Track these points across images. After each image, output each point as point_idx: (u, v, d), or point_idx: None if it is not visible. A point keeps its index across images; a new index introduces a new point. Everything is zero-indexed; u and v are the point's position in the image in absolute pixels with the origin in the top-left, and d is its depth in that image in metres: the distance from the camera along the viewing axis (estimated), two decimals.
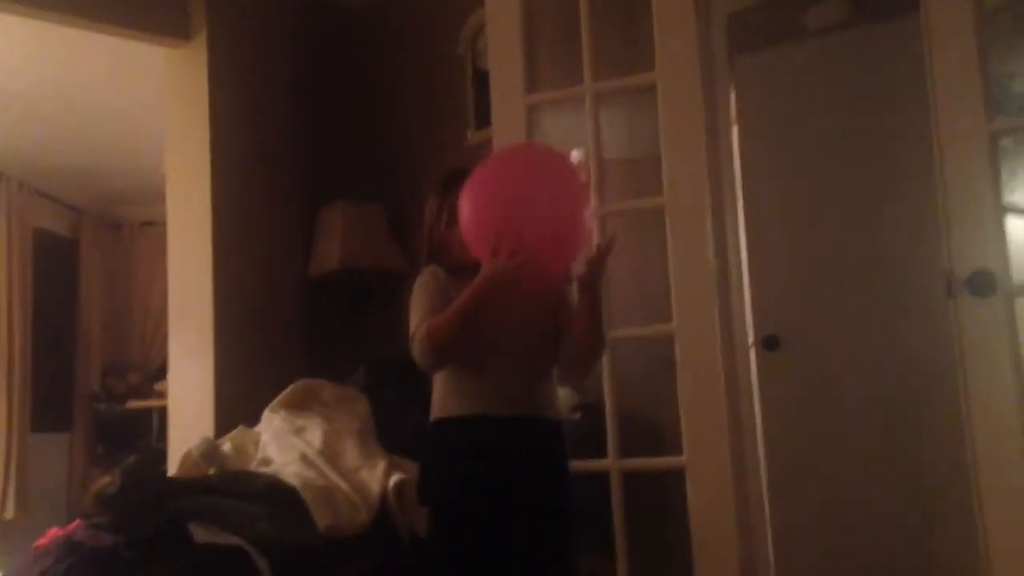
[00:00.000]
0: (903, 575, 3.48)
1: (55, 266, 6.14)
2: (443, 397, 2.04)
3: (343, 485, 2.73)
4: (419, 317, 2.00)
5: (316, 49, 4.26)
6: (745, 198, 3.59)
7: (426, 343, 1.93)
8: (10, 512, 5.34)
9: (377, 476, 2.81)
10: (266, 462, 2.97)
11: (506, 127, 3.09)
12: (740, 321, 2.96)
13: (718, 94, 2.97)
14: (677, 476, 2.86)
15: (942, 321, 2.53)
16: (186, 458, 2.97)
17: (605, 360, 2.84)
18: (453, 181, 2.06)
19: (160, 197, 3.78)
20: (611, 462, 2.91)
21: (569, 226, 1.87)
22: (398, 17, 4.25)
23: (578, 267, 2.05)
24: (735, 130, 3.59)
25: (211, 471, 2.87)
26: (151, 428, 5.87)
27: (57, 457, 6.03)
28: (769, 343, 3.76)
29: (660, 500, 3.08)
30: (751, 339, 3.42)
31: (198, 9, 3.76)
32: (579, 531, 2.09)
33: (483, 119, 3.54)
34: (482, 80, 3.53)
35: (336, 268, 3.77)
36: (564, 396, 2.94)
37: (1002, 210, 2.39)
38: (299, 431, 3.04)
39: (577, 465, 2.66)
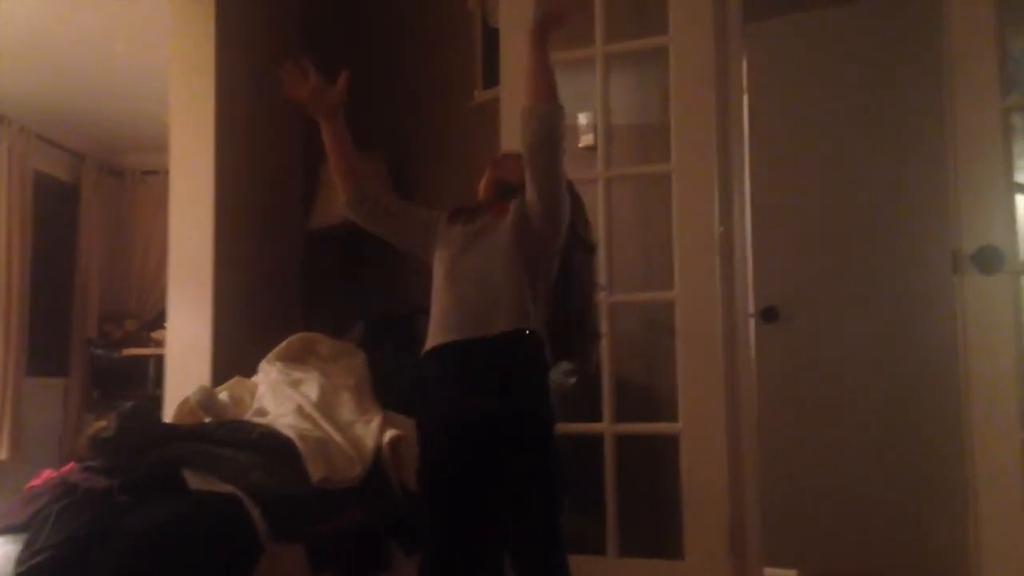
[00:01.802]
0: (893, 541, 3.50)
1: (55, 211, 6.10)
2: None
3: (338, 438, 2.74)
4: None
5: (324, 0, 4.21)
6: (751, 169, 3.56)
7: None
8: (3, 453, 5.36)
9: (372, 431, 2.82)
10: (262, 413, 2.97)
11: (514, 87, 3.06)
12: (743, 291, 2.94)
13: (731, 62, 2.93)
14: (670, 443, 2.87)
15: (945, 298, 2.52)
16: (183, 406, 2.97)
17: (604, 324, 2.83)
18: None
19: (163, 147, 3.74)
20: (605, 426, 2.91)
21: None
22: None
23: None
24: (745, 100, 3.56)
25: (207, 420, 2.87)
26: (147, 376, 5.87)
27: (52, 401, 6.04)
28: (767, 315, 3.74)
29: (653, 466, 3.09)
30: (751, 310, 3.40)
31: None
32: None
33: (491, 78, 3.51)
34: (492, 38, 3.49)
35: (340, 222, 3.73)
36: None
37: (1012, 187, 2.37)
38: (295, 384, 3.05)
39: (571, 428, 2.68)
